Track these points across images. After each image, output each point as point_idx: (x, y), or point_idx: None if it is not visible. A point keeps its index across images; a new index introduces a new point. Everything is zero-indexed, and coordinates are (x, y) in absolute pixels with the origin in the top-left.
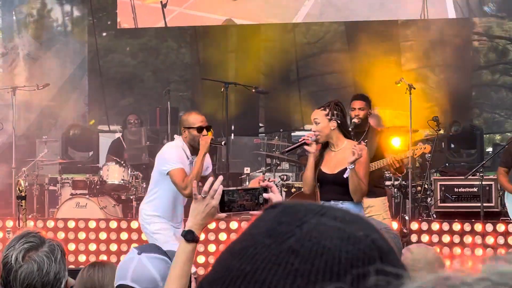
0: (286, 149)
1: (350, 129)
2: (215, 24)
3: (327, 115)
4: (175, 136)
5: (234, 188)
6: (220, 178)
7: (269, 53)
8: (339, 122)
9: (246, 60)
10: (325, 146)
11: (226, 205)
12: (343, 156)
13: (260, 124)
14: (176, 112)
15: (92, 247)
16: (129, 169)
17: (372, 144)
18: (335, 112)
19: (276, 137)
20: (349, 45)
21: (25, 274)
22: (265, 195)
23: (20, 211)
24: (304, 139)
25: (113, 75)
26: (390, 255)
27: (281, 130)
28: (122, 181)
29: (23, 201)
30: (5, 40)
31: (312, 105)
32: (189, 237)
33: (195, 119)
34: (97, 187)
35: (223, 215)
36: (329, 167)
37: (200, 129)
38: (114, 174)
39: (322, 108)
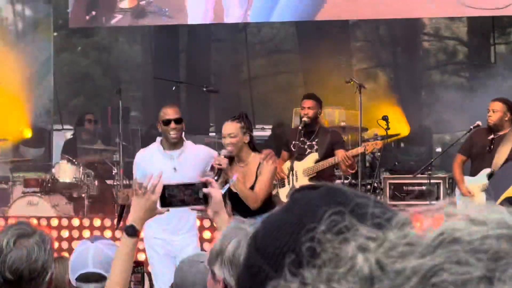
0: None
1: (300, 127)
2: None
3: (242, 127)
4: None
5: (175, 183)
6: (160, 173)
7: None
8: (251, 135)
9: (197, 60)
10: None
11: (167, 200)
12: (251, 170)
13: (211, 124)
14: (128, 112)
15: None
16: (81, 167)
17: (323, 143)
18: (247, 124)
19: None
20: (299, 45)
21: (14, 259)
22: (204, 190)
23: None
24: (217, 166)
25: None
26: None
27: None
28: (74, 179)
29: None
30: None
31: (263, 105)
32: (130, 231)
33: (163, 112)
34: (49, 185)
35: (164, 209)
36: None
37: (166, 122)
38: (66, 172)
39: (236, 121)
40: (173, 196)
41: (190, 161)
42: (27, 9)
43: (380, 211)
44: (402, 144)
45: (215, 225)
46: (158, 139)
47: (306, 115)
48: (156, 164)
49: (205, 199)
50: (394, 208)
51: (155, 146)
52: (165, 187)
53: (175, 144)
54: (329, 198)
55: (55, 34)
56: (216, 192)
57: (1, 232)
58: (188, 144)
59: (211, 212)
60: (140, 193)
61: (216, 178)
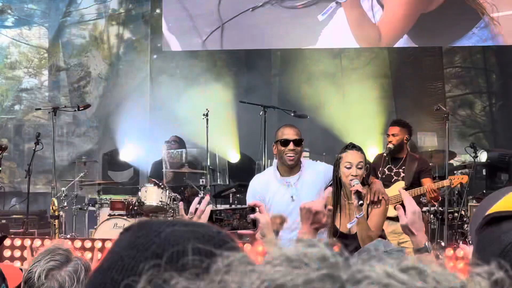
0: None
1: (385, 154)
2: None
3: (364, 160)
4: None
5: (222, 208)
6: (207, 198)
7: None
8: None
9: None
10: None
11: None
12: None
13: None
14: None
15: None
16: (167, 191)
17: (410, 171)
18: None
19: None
20: (390, 70)
21: None
22: (251, 215)
23: (52, 230)
24: (356, 189)
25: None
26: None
27: (324, 154)
28: (160, 203)
29: (56, 220)
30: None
31: (357, 131)
32: None
33: (281, 131)
34: (135, 208)
35: None
36: (345, 223)
37: (284, 143)
38: (152, 195)
39: (360, 151)
40: (220, 220)
41: (308, 187)
42: (126, 31)
43: (198, 259)
44: (489, 172)
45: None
46: (275, 162)
47: (390, 142)
48: (272, 192)
49: (254, 223)
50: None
51: (271, 172)
52: (213, 212)
53: (292, 169)
54: (138, 232)
55: (153, 56)
56: (263, 216)
57: (34, 260)
58: (305, 166)
59: (259, 236)
60: (186, 219)
61: (361, 202)
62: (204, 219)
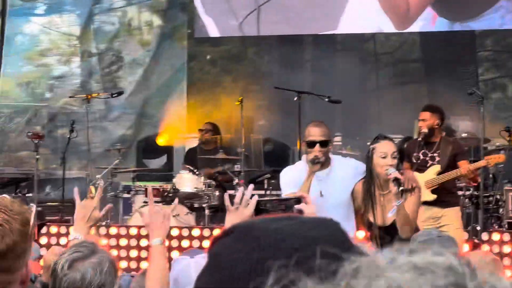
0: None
1: (419, 139)
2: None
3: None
4: None
5: (268, 198)
6: (251, 186)
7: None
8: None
9: (322, 70)
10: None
11: (261, 215)
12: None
13: (336, 134)
14: (252, 121)
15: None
16: (202, 177)
17: (445, 154)
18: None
19: (349, 146)
20: (422, 54)
21: (68, 282)
22: (296, 206)
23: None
24: (394, 176)
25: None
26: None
27: (358, 138)
28: (195, 189)
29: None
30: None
31: (390, 115)
32: None
33: (308, 131)
34: (170, 195)
35: None
36: (380, 215)
37: (311, 144)
38: (187, 182)
39: (392, 141)
40: (266, 211)
41: (338, 183)
42: (157, 18)
43: (326, 263)
44: None
45: None
46: (304, 156)
47: (421, 127)
48: (301, 186)
49: (299, 214)
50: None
51: (302, 165)
52: (259, 202)
53: (322, 164)
54: (249, 244)
55: (187, 42)
56: (309, 207)
57: (61, 253)
58: (336, 161)
59: None
60: (232, 209)
61: (401, 189)
62: (250, 208)
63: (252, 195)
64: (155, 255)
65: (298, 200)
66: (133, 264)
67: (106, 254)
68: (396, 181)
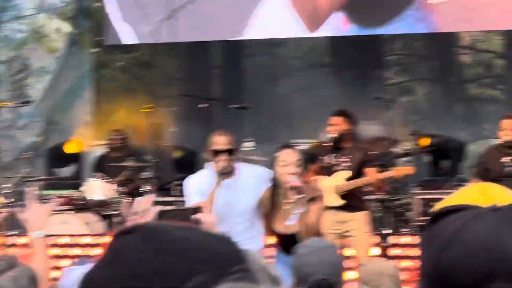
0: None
1: (326, 144)
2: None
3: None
4: None
5: (170, 208)
6: (151, 196)
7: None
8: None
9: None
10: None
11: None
12: None
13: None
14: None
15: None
16: (111, 185)
17: (354, 161)
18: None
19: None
20: (331, 58)
21: None
22: (195, 216)
23: None
24: (291, 185)
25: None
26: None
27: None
28: (104, 197)
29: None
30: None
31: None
32: None
33: (213, 140)
34: (80, 203)
35: None
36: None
37: (216, 153)
38: (96, 190)
39: (294, 149)
40: (167, 219)
41: (244, 191)
42: (67, 25)
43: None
44: (431, 158)
45: None
46: (208, 164)
47: (331, 132)
48: (208, 195)
49: (197, 224)
50: None
51: (205, 173)
52: (160, 211)
53: (227, 173)
54: (154, 246)
55: (94, 49)
56: (206, 216)
57: None
58: (242, 169)
59: None
60: (132, 219)
61: (302, 196)
62: (150, 218)
63: (157, 202)
64: (38, 248)
65: (196, 210)
66: None
67: (26, 268)
68: (295, 189)
